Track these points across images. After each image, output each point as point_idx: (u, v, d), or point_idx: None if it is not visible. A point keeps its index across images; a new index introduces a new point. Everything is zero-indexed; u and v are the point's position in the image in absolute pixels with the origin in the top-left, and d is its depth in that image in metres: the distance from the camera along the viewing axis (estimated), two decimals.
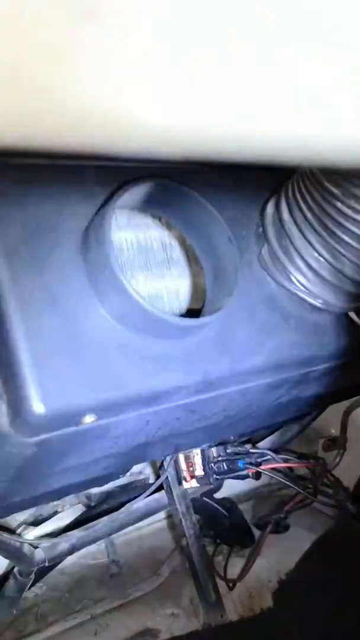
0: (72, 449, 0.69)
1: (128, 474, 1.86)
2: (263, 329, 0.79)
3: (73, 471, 0.78)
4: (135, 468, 1.92)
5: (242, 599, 1.83)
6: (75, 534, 1.46)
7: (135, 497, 1.70)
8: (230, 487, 2.13)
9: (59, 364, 0.61)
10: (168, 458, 1.55)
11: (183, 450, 1.19)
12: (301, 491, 1.46)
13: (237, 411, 0.89)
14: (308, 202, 0.73)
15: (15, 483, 0.72)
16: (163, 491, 1.66)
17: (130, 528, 1.85)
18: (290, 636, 1.72)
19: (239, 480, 2.25)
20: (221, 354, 0.74)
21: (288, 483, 1.47)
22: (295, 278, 0.80)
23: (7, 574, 1.53)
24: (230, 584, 1.75)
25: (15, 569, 1.40)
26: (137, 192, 0.68)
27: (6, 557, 1.34)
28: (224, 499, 2.11)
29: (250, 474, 2.07)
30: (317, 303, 0.81)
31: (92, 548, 1.86)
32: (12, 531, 1.31)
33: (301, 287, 0.80)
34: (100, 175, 0.72)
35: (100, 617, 1.62)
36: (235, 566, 1.89)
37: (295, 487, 1.47)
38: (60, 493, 1.09)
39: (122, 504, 1.65)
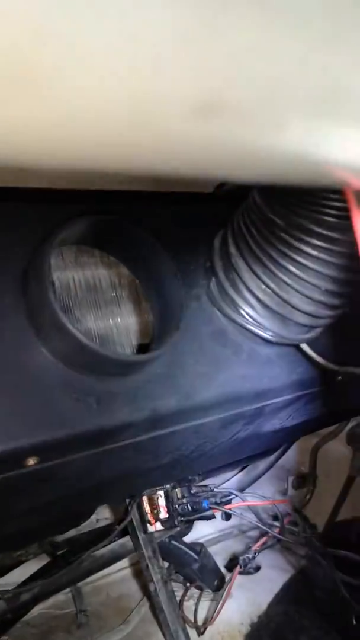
0: (19, 493, 0.67)
1: (93, 519, 1.83)
2: (213, 363, 0.78)
3: (27, 515, 0.76)
4: (101, 514, 1.89)
5: None
6: (38, 584, 1.42)
7: (98, 543, 1.66)
8: (200, 530, 2.10)
9: (3, 408, 0.60)
10: (131, 502, 1.52)
11: (142, 491, 1.17)
12: (268, 530, 1.44)
13: (192, 450, 0.87)
14: (253, 234, 0.74)
15: None
16: (129, 536, 1.63)
17: (97, 575, 1.81)
18: None
19: (209, 522, 2.22)
20: (170, 390, 0.73)
21: (255, 523, 1.45)
22: (244, 311, 0.79)
23: None
24: (202, 629, 1.71)
25: None
26: (77, 229, 0.67)
27: None
28: (193, 542, 2.07)
29: (222, 514, 2.04)
30: (268, 335, 0.80)
31: (60, 597, 1.81)
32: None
33: (250, 320, 0.79)
34: (43, 212, 0.72)
35: None
36: (206, 609, 1.85)
37: (262, 527, 1.45)
38: (19, 539, 1.05)
39: (89, 551, 1.62)
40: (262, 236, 0.73)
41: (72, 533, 1.78)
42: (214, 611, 1.74)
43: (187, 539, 2.04)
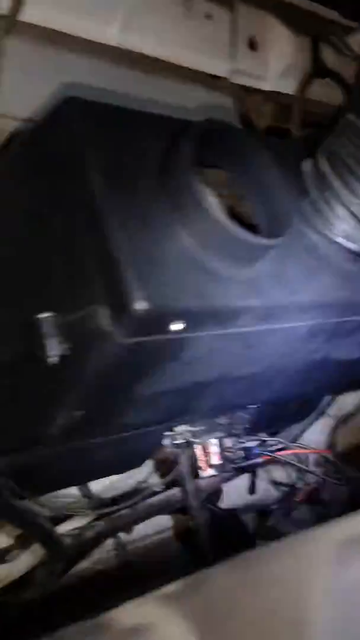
0: (152, 363, 0.77)
1: (133, 481, 1.90)
2: (307, 271, 0.88)
3: (143, 402, 0.85)
4: (140, 475, 1.95)
5: None
6: (100, 524, 1.50)
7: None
8: (229, 499, 2.17)
9: (153, 274, 0.70)
10: (182, 452, 1.61)
11: (225, 407, 1.26)
12: (318, 475, 1.53)
13: (277, 359, 0.97)
14: (351, 153, 0.84)
15: (99, 400, 0.79)
16: (176, 488, 1.71)
17: (141, 533, 1.88)
18: None
19: (238, 493, 2.30)
20: (276, 285, 0.83)
21: (304, 468, 1.54)
22: (338, 226, 0.90)
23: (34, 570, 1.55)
24: None
25: (46, 557, 1.43)
26: (205, 129, 0.77)
27: (36, 540, 1.37)
28: (227, 509, 2.15)
29: (248, 487, 2.13)
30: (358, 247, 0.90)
31: (103, 554, 1.88)
32: (45, 518, 1.35)
33: (342, 235, 0.90)
34: (165, 123, 0.83)
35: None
36: None
37: (308, 470, 1.54)
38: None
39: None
40: (356, 147, 0.83)
41: (115, 492, 1.86)
42: None
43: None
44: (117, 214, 0.70)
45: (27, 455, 0.97)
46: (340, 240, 0.90)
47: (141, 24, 0.95)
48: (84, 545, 1.47)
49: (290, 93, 1.20)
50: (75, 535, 1.45)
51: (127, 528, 1.63)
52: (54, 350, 0.73)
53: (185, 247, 0.75)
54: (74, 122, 0.72)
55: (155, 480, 1.91)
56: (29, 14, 0.83)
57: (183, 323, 0.72)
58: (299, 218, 0.92)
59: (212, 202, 0.71)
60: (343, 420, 2.04)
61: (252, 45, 1.11)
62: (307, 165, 0.92)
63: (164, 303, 0.69)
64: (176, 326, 0.72)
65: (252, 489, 2.09)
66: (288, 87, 1.20)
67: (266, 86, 1.17)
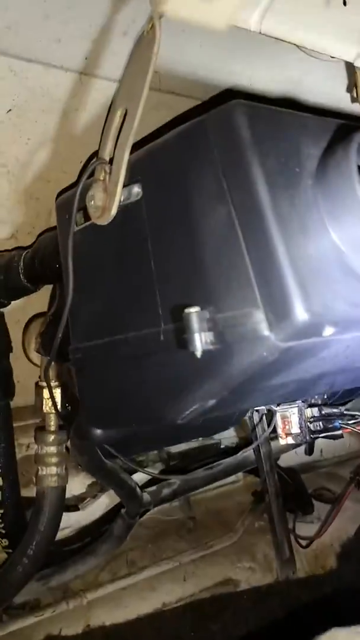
0: (296, 363, 0.78)
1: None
2: None
3: (269, 391, 0.87)
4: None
5: (309, 558, 1.93)
6: (177, 481, 1.55)
7: (207, 458, 1.79)
8: (285, 460, 2.23)
9: (313, 281, 0.70)
10: (257, 416, 1.64)
11: (334, 392, 1.28)
12: None
13: None
14: None
15: (235, 392, 0.81)
16: (249, 450, 1.75)
17: (201, 490, 1.94)
18: (355, 595, 1.81)
19: (293, 454, 2.34)
20: None
21: None
22: None
23: (106, 517, 1.62)
24: (305, 543, 1.85)
25: (123, 511, 1.49)
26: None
27: (120, 496, 1.42)
28: (287, 467, 2.21)
29: (305, 448, 2.16)
30: None
31: (166, 506, 1.95)
32: (132, 471, 1.40)
33: None
34: (322, 126, 0.82)
35: (187, 565, 1.71)
36: (298, 530, 1.98)
37: None
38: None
39: (198, 464, 1.75)
40: None
41: (183, 447, 1.92)
42: (320, 528, 1.87)
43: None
44: (278, 219, 0.70)
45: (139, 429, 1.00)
46: None
47: (283, 10, 0.92)
48: (161, 501, 1.52)
49: None
50: (154, 492, 1.50)
51: (203, 486, 1.69)
52: (200, 344, 0.74)
53: (338, 253, 0.75)
54: (239, 127, 0.71)
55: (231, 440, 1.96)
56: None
57: (334, 329, 0.72)
58: None
59: None
60: None
61: None
62: None
63: (321, 312, 0.70)
64: (328, 331, 0.73)
65: (310, 450, 2.13)
66: None
67: None
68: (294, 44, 1.07)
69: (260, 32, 1.00)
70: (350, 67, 1.17)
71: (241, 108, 0.74)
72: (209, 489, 2.05)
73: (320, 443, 2.11)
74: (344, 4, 1.04)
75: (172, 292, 0.82)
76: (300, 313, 0.68)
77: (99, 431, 1.01)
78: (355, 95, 1.22)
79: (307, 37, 1.06)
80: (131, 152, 0.87)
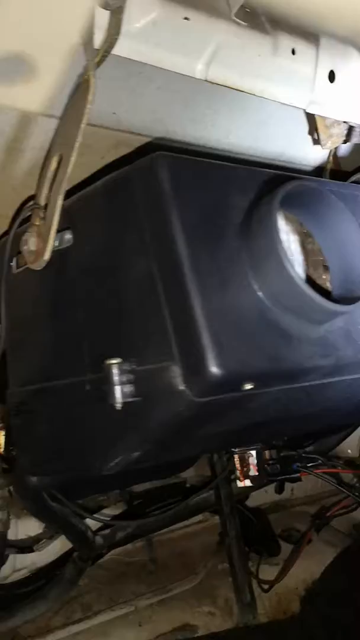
0: (218, 416, 0.77)
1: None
2: None
3: (199, 441, 0.86)
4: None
5: (272, 603, 1.89)
6: (132, 524, 1.52)
7: (171, 498, 1.77)
8: (253, 499, 2.20)
9: (229, 336, 0.69)
10: (218, 459, 1.62)
11: (271, 440, 1.27)
12: (351, 494, 1.54)
13: (335, 403, 0.96)
14: None
15: (157, 446, 0.80)
16: (210, 492, 1.73)
17: (165, 529, 1.91)
18: None
19: (263, 492, 2.31)
20: (347, 343, 0.82)
21: (339, 487, 1.55)
22: None
23: (61, 560, 1.59)
24: (266, 587, 1.82)
25: (75, 554, 1.46)
26: (290, 191, 0.77)
27: (71, 540, 1.40)
28: (254, 508, 2.18)
29: (275, 486, 2.14)
30: None
31: (128, 546, 1.91)
32: (82, 516, 1.37)
33: None
34: (250, 176, 0.81)
35: (144, 609, 1.67)
36: (263, 572, 1.95)
37: (346, 491, 1.54)
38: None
39: (161, 503, 1.72)
40: None
41: (147, 486, 1.89)
42: (280, 572, 1.84)
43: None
44: (196, 273, 0.69)
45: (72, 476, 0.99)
46: None
47: (228, 59, 0.93)
48: (114, 545, 1.50)
49: None
50: (107, 535, 1.47)
51: (159, 530, 1.66)
52: (120, 397, 0.73)
53: (260, 307, 0.74)
54: (161, 180, 0.71)
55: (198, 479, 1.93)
56: (121, 49, 0.82)
57: (253, 384, 0.71)
58: None
59: (292, 266, 0.69)
60: None
61: (331, 77, 1.09)
62: None
63: (237, 368, 0.69)
64: (247, 386, 0.72)
65: (280, 489, 2.11)
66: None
67: (341, 116, 1.14)
68: (244, 92, 1.08)
69: (206, 80, 1.01)
70: None
71: (164, 160, 0.73)
72: (175, 529, 2.01)
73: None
74: (293, 52, 1.05)
75: (98, 342, 0.81)
76: (214, 369, 0.67)
77: (34, 478, 1.00)
78: (316, 137, 1.23)
79: (256, 85, 1.07)
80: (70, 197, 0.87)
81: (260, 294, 0.74)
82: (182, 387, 0.69)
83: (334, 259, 0.85)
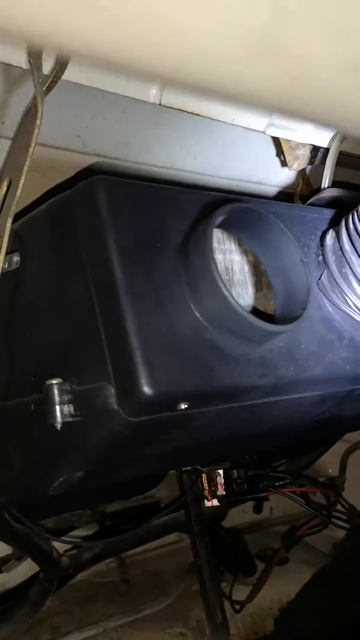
0: (157, 435, 0.78)
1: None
2: (322, 345, 0.89)
3: (147, 461, 0.87)
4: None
5: (245, 624, 1.89)
6: (99, 545, 1.52)
7: (144, 518, 1.77)
8: (231, 519, 2.20)
9: (163, 357, 0.71)
10: (187, 478, 1.63)
11: (228, 458, 1.28)
12: (318, 513, 1.54)
13: (285, 422, 0.98)
14: None
15: (98, 466, 0.81)
16: (180, 511, 1.73)
17: (136, 550, 1.92)
18: None
19: (241, 512, 2.32)
20: (289, 362, 0.83)
21: (306, 507, 1.55)
22: (352, 301, 0.90)
23: (30, 581, 1.58)
24: (237, 607, 1.81)
25: (41, 575, 1.46)
26: (227, 214, 0.78)
27: (35, 561, 1.40)
28: (229, 528, 2.18)
29: (253, 506, 2.15)
30: None
31: (101, 567, 1.91)
32: (45, 537, 1.38)
33: (356, 310, 0.90)
34: (191, 199, 0.83)
35: (113, 631, 1.67)
36: (238, 592, 1.95)
37: (313, 510, 1.55)
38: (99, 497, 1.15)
39: (134, 523, 1.72)
40: None
41: (119, 506, 1.89)
42: (251, 592, 1.83)
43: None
44: (131, 295, 0.71)
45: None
46: (353, 315, 0.90)
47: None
48: (81, 566, 1.50)
49: (324, 146, 1.20)
50: (73, 556, 1.47)
51: (127, 550, 1.66)
52: (60, 417, 0.74)
53: (197, 327, 0.76)
54: (98, 203, 0.72)
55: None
56: (72, 74, 0.84)
57: (188, 403, 0.73)
58: (317, 288, 0.92)
59: (225, 287, 0.71)
60: (355, 446, 2.04)
61: None
62: (329, 239, 0.92)
63: (169, 388, 0.70)
64: (182, 405, 0.73)
65: (258, 509, 2.11)
66: (322, 140, 1.19)
67: (301, 139, 1.16)
68: (200, 116, 1.11)
69: (160, 104, 1.04)
70: None
71: (101, 183, 0.75)
72: (149, 549, 2.01)
73: (270, 500, 2.09)
74: None
75: (41, 362, 0.83)
76: (145, 389, 0.68)
77: None
78: (283, 159, 1.25)
79: (212, 110, 1.10)
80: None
81: (197, 314, 0.76)
82: (116, 406, 0.70)
83: (276, 279, 0.87)
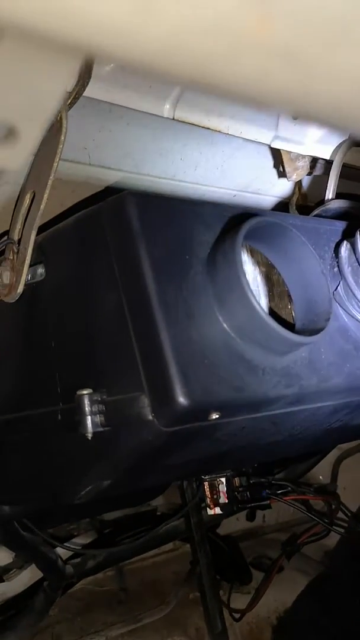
0: (186, 445, 0.79)
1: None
2: (340, 355, 0.91)
3: (168, 470, 0.88)
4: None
5: (244, 632, 1.90)
6: (103, 553, 1.53)
7: (142, 526, 1.78)
8: (225, 527, 2.21)
9: (195, 367, 0.72)
10: (188, 486, 1.64)
11: (240, 467, 1.29)
12: (320, 521, 1.56)
13: (301, 431, 0.99)
14: None
15: (127, 474, 0.82)
16: (180, 519, 1.74)
17: (136, 558, 1.92)
18: None
19: (235, 520, 2.33)
20: (311, 372, 0.85)
21: (308, 514, 1.57)
22: None
23: (31, 590, 1.58)
24: (237, 616, 1.82)
25: (45, 583, 1.46)
26: (253, 227, 0.80)
27: (41, 569, 1.40)
28: (225, 536, 2.19)
29: (246, 514, 2.16)
30: None
31: (100, 575, 1.92)
32: (52, 545, 1.38)
33: None
34: (215, 212, 0.85)
35: (114, 639, 1.67)
36: (234, 601, 1.96)
37: (315, 518, 1.57)
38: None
39: (132, 532, 1.73)
40: None
41: (117, 514, 1.90)
42: (251, 600, 1.85)
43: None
44: (164, 307, 0.72)
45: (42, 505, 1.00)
46: None
47: (194, 99, 0.98)
48: (85, 574, 1.50)
49: (327, 158, 1.23)
50: (77, 564, 1.48)
51: (130, 558, 1.67)
52: (91, 426, 0.75)
53: (225, 338, 0.77)
54: (129, 217, 0.74)
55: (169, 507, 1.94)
56: (92, 90, 0.86)
57: (219, 413, 0.74)
58: (334, 300, 0.94)
59: (255, 299, 0.73)
60: (347, 453, 2.07)
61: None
62: (344, 250, 0.94)
63: (203, 398, 0.72)
64: (213, 415, 0.74)
65: (251, 517, 2.12)
66: (326, 152, 1.22)
67: (304, 151, 1.19)
68: (210, 129, 1.13)
69: (173, 119, 1.06)
70: None
71: (132, 199, 0.76)
72: (145, 557, 2.02)
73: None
74: None
75: (69, 373, 0.83)
76: (181, 399, 0.70)
77: (6, 507, 1.01)
78: (282, 170, 1.28)
79: (221, 123, 1.12)
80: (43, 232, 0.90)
81: (225, 325, 0.77)
82: (150, 417, 0.71)
83: (296, 291, 0.89)
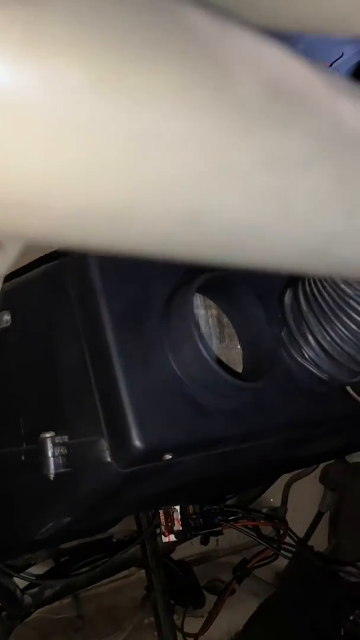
0: (141, 483, 0.86)
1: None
2: (284, 394, 0.99)
3: (127, 505, 0.94)
4: None
5: None
6: (60, 583, 1.57)
7: (99, 554, 1.82)
8: (179, 551, 2.27)
9: (150, 413, 0.79)
10: (144, 514, 1.69)
11: (197, 498, 1.35)
12: (269, 546, 1.63)
13: (249, 464, 1.07)
14: (325, 297, 0.95)
15: (89, 512, 0.88)
16: (137, 547, 1.79)
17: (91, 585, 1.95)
18: None
19: (189, 545, 2.39)
20: (257, 412, 0.93)
21: (257, 540, 1.64)
22: (309, 355, 1.00)
23: None
24: (190, 639, 1.87)
25: (3, 614, 1.49)
26: (203, 282, 0.88)
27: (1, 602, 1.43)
28: (179, 560, 2.24)
29: (200, 538, 2.22)
30: (324, 376, 1.01)
31: (55, 603, 1.94)
32: (9, 575, 1.42)
33: (312, 363, 1.01)
34: (170, 268, 0.92)
35: None
36: (189, 625, 2.01)
37: (264, 543, 1.64)
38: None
39: (88, 560, 1.77)
40: (333, 300, 0.94)
41: (73, 542, 1.93)
42: (204, 624, 1.90)
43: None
44: (123, 357, 0.79)
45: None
46: (310, 368, 1.01)
47: None
48: (43, 603, 1.54)
49: None
50: (35, 594, 1.51)
51: (87, 586, 1.71)
52: (53, 468, 0.81)
53: (179, 384, 0.84)
54: (91, 272, 0.81)
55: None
56: None
57: (172, 454, 0.81)
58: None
59: (205, 349, 0.80)
60: (297, 476, 2.14)
61: None
62: (287, 299, 1.02)
63: (158, 441, 0.78)
64: (167, 456, 0.81)
65: (205, 541, 2.18)
66: None
67: None
68: None
69: None
70: None
71: (94, 257, 0.83)
72: (101, 584, 2.05)
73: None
74: None
75: (33, 416, 0.89)
76: (137, 443, 0.76)
77: None
78: None
79: None
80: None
81: (179, 373, 0.84)
82: (109, 459, 0.78)
83: (243, 337, 0.96)
